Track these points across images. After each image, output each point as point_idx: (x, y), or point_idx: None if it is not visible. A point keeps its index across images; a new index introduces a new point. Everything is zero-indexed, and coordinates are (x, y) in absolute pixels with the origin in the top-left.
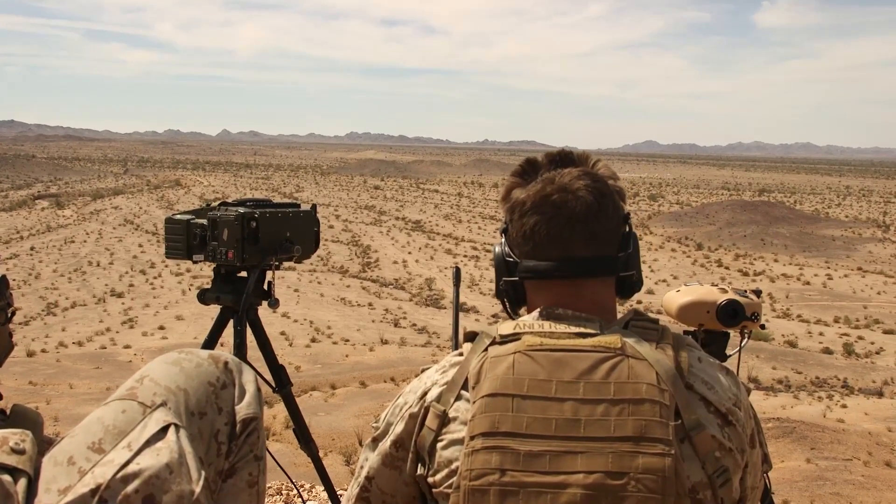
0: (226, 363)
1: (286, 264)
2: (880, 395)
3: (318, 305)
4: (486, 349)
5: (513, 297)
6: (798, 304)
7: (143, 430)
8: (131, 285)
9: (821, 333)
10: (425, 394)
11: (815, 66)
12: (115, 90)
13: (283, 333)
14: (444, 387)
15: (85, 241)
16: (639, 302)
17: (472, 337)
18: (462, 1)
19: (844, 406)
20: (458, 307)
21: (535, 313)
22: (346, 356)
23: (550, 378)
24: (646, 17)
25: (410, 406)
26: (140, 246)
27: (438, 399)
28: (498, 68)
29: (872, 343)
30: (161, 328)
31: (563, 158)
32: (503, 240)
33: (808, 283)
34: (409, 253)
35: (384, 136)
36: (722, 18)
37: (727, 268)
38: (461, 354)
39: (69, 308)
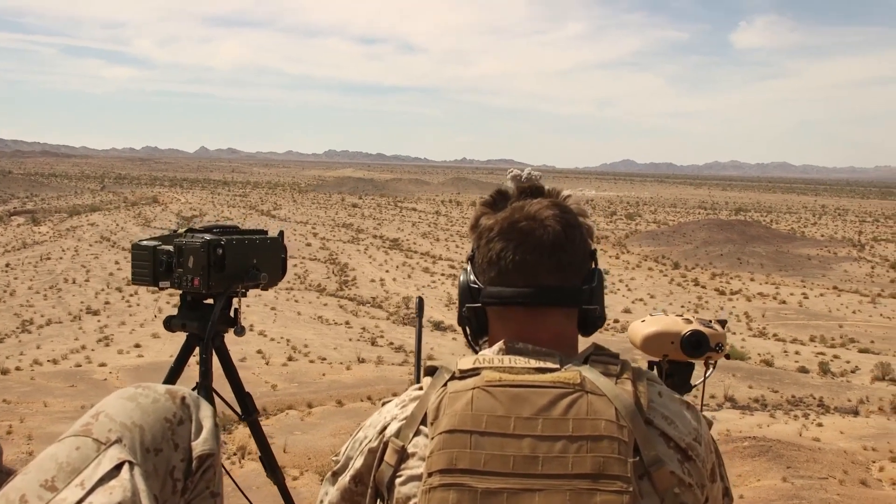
0: (183, 398)
1: (255, 290)
2: (856, 413)
3: (294, 324)
4: (445, 384)
5: (475, 324)
6: (774, 323)
7: (96, 467)
8: (107, 303)
9: (797, 352)
10: (385, 428)
11: (792, 86)
12: (93, 106)
13: (259, 352)
14: (404, 422)
15: (61, 258)
16: (616, 321)
17: (432, 371)
18: (441, 19)
19: (820, 425)
20: (421, 339)
21: (496, 347)
22: (323, 375)
23: (509, 414)
24: (624, 37)
25: (370, 440)
26: (116, 263)
27: (397, 434)
28: (477, 86)
29: (848, 362)
30: (137, 346)
31: (534, 191)
32: (469, 267)
33: (784, 302)
34: (387, 271)
35: (362, 154)
36: (700, 38)
37: (704, 287)
38: (421, 389)
39: (44, 325)
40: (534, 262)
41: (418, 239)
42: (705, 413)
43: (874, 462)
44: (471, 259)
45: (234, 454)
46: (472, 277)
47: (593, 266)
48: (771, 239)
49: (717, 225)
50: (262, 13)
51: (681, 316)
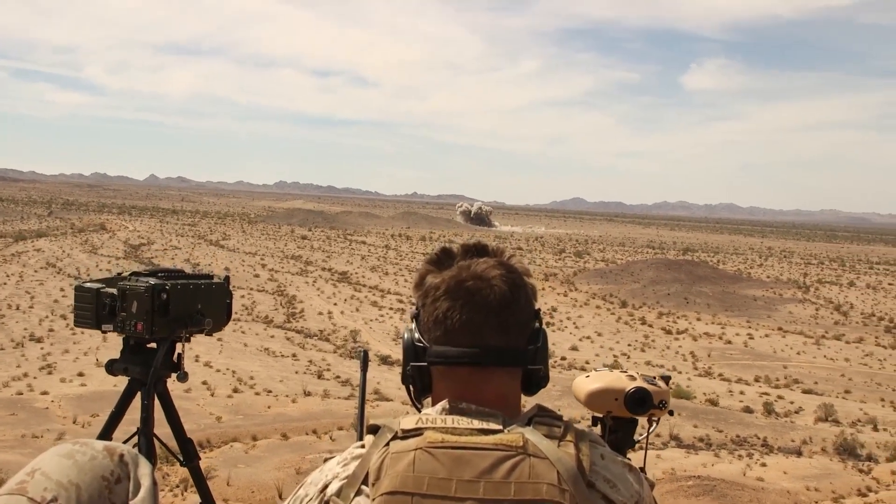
0: (121, 456)
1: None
2: (799, 454)
3: (241, 355)
4: (387, 444)
5: (419, 383)
6: (720, 363)
7: None
8: (51, 330)
9: (741, 392)
10: (326, 487)
11: (740, 129)
12: (43, 131)
13: (204, 383)
14: (345, 481)
15: (5, 284)
16: (563, 358)
17: (374, 429)
18: (395, 54)
19: (764, 465)
20: (364, 394)
21: (439, 407)
22: (269, 407)
23: (451, 476)
24: (576, 76)
25: (311, 499)
26: (62, 290)
27: (338, 493)
28: (429, 122)
29: (792, 402)
30: (80, 374)
31: (478, 250)
32: (413, 325)
33: (729, 342)
34: (335, 304)
35: (313, 186)
36: (650, 79)
37: (651, 326)
38: (363, 447)
39: None
40: (480, 321)
41: (367, 272)
42: (647, 476)
43: (817, 502)
44: (415, 317)
45: (177, 486)
46: (418, 336)
47: (537, 326)
48: (717, 279)
49: (665, 264)
50: (216, 43)
51: (625, 372)
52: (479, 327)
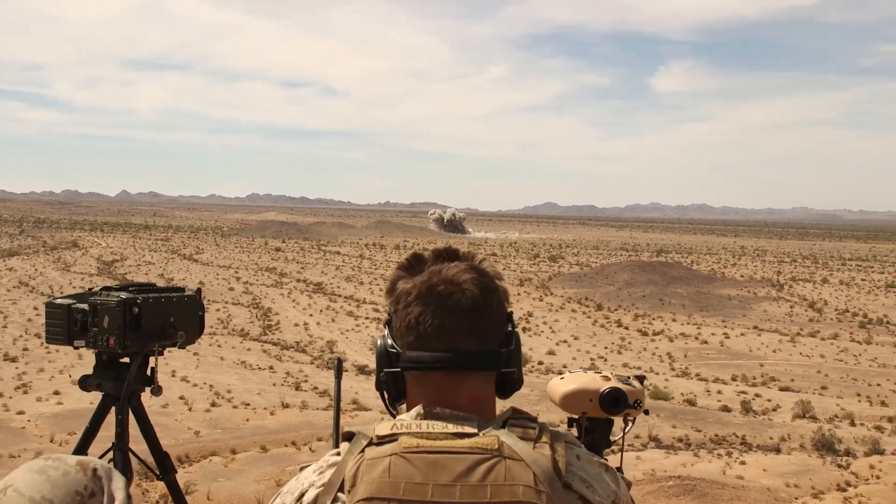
0: (94, 470)
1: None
2: (777, 451)
3: (217, 369)
4: (362, 450)
5: (393, 389)
6: (696, 363)
7: None
8: (25, 349)
9: (719, 391)
10: (302, 495)
11: (710, 129)
12: (12, 149)
13: (182, 398)
14: (321, 489)
15: None
16: (540, 363)
17: (349, 436)
18: (364, 63)
19: (743, 463)
20: (339, 402)
21: (413, 412)
22: (247, 420)
23: (427, 481)
24: (546, 81)
25: None
26: (35, 309)
27: (315, 502)
28: (400, 130)
29: (769, 400)
30: (56, 393)
31: (450, 254)
32: (386, 331)
33: (705, 342)
34: (311, 315)
35: (285, 198)
36: (619, 82)
37: (627, 328)
38: (339, 454)
39: None
40: (452, 325)
41: (342, 282)
42: (624, 475)
43: (797, 498)
44: (388, 323)
45: (157, 502)
46: (390, 342)
47: (510, 329)
48: (692, 280)
49: (639, 266)
50: (185, 57)
51: (599, 373)
52: (451, 331)
